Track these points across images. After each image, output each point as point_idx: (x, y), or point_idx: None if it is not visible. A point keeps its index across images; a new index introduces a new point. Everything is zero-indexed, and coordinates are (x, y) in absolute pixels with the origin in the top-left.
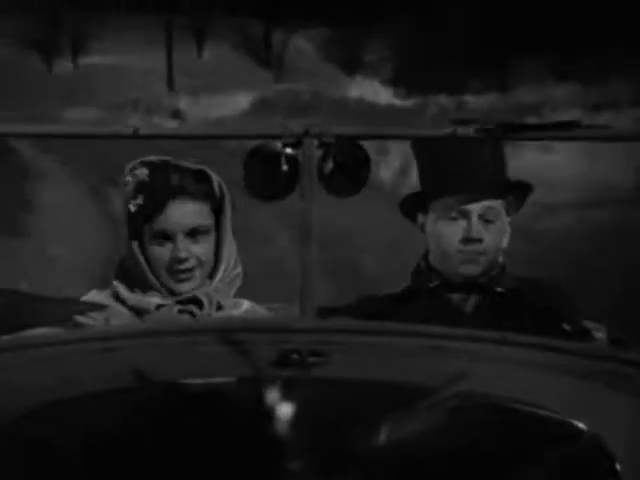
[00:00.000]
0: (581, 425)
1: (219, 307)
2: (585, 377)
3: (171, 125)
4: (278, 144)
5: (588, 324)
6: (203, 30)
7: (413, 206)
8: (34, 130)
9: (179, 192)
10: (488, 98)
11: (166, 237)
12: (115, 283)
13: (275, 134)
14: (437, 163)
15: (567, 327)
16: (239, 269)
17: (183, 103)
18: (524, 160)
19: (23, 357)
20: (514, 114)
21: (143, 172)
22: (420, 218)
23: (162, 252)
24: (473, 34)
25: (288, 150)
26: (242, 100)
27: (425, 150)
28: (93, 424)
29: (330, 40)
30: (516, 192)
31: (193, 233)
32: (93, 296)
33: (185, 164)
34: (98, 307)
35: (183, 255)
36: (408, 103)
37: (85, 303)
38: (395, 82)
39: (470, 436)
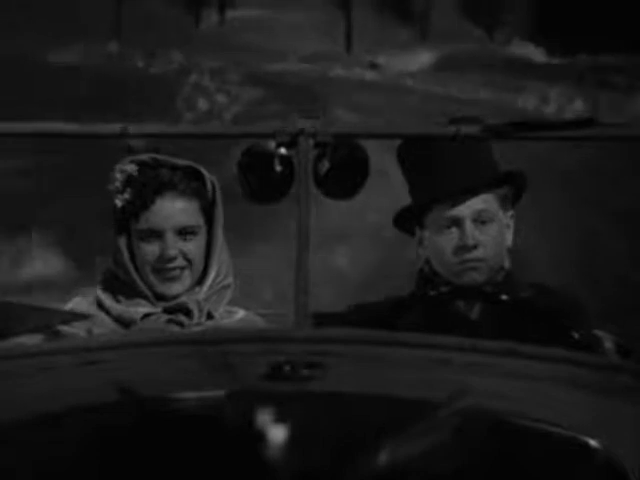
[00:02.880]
0: (593, 442)
1: (210, 316)
2: (596, 390)
3: (369, 76)
4: (272, 144)
5: (597, 333)
6: None
7: (408, 221)
8: (22, 129)
9: (168, 187)
10: (619, 58)
11: (155, 234)
12: (99, 292)
13: (268, 133)
14: (425, 166)
15: (576, 335)
16: (230, 279)
17: (380, 58)
18: None
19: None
20: None
21: (132, 168)
22: (417, 232)
23: (150, 250)
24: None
25: (282, 150)
26: (427, 56)
27: (412, 155)
28: (70, 441)
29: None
30: (510, 183)
31: (183, 232)
32: (76, 305)
33: (176, 161)
34: (81, 317)
35: (172, 253)
36: (556, 61)
37: (68, 312)
38: (536, 41)
39: (476, 456)
